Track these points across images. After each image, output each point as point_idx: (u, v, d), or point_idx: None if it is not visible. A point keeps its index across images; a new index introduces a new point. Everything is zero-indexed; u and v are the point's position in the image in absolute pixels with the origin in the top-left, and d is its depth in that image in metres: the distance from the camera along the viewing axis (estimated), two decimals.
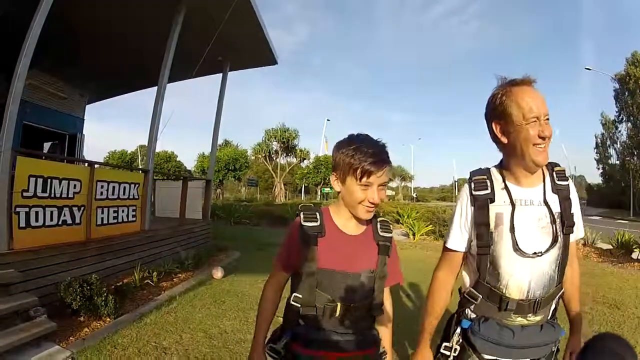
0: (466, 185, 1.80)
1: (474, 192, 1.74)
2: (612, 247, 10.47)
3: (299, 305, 1.70)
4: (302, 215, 1.72)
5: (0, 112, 4.80)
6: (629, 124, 34.07)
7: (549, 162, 1.73)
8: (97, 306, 4.79)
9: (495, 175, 1.76)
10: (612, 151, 38.94)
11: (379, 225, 1.80)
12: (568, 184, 1.75)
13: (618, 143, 36.94)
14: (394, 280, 1.87)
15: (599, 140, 39.97)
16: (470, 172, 1.82)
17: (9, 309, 4.10)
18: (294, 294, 1.73)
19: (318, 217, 1.72)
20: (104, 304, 4.81)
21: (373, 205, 1.65)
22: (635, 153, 33.39)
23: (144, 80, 11.37)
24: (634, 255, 9.57)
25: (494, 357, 1.73)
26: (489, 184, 1.73)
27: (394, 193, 60.54)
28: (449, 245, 1.83)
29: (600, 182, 47.38)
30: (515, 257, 1.64)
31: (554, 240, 1.65)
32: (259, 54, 11.40)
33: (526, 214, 1.67)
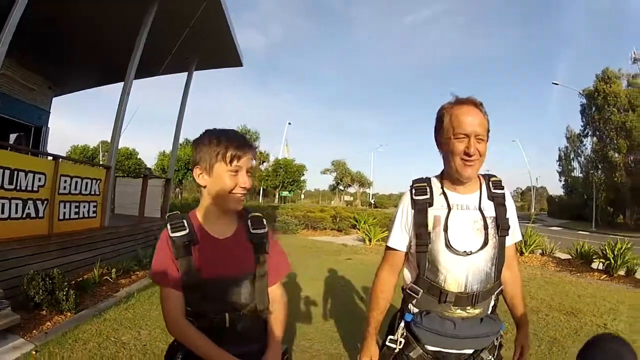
0: (407, 191, 1.95)
1: (414, 197, 1.89)
2: (571, 257, 10.70)
3: (191, 320, 1.65)
4: (169, 226, 1.65)
5: None
6: (595, 138, 34.99)
7: (486, 174, 1.96)
8: (59, 301, 4.90)
9: (435, 183, 1.92)
10: (575, 164, 40.13)
11: (250, 223, 1.77)
12: (503, 193, 1.92)
13: (582, 156, 38.07)
14: (278, 275, 1.87)
15: (562, 154, 41.11)
16: (412, 180, 1.97)
17: None
18: (186, 308, 1.66)
19: (186, 224, 1.66)
20: (65, 298, 4.93)
21: (244, 192, 1.67)
22: (600, 167, 34.51)
23: (112, 74, 11.32)
24: (594, 265, 9.79)
25: (437, 348, 1.87)
26: (428, 190, 1.89)
27: (352, 198, 60.90)
28: (390, 244, 1.97)
29: (562, 194, 48.57)
30: (449, 254, 1.79)
31: (486, 242, 1.80)
32: (225, 55, 11.62)
33: (461, 216, 1.83)
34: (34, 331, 4.42)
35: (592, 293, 7.38)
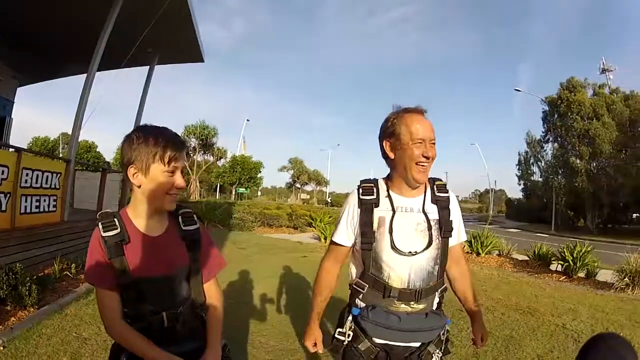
0: (355, 190, 2.06)
1: (361, 197, 2.01)
2: (528, 259, 10.86)
3: (130, 321, 1.65)
4: (100, 226, 1.65)
5: None
6: (556, 144, 35.99)
7: (431, 178, 2.06)
8: (22, 296, 4.91)
9: (382, 185, 2.05)
10: (535, 169, 40.99)
11: (181, 220, 1.80)
12: (448, 196, 2.07)
13: (542, 161, 38.91)
14: (212, 271, 1.90)
15: (522, 158, 41.88)
16: (361, 180, 2.09)
17: None
18: (124, 310, 1.66)
19: (117, 223, 1.66)
20: (28, 293, 4.94)
21: (180, 192, 1.71)
22: (560, 172, 35.24)
23: (76, 65, 11.17)
24: (553, 267, 9.95)
25: (384, 341, 1.99)
26: (375, 191, 2.01)
27: (308, 197, 60.95)
28: (336, 239, 2.10)
29: (521, 197, 49.64)
30: (393, 254, 1.92)
31: (430, 243, 1.94)
32: (187, 50, 11.77)
33: (405, 219, 1.96)
34: (0, 327, 4.43)
35: (550, 293, 7.53)
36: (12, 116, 12.56)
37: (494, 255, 11.90)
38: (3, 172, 5.79)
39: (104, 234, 1.63)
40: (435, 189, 2.06)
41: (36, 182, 6.67)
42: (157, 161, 1.59)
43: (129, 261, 1.63)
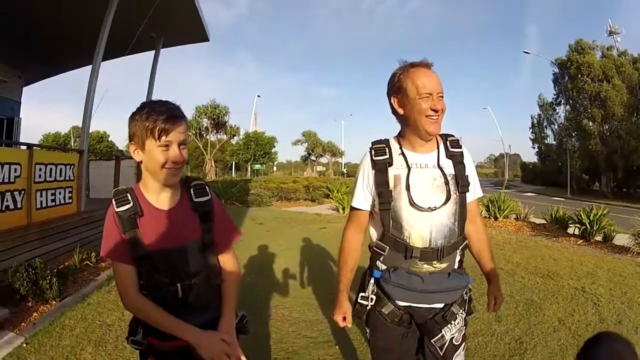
0: (367, 153, 2.05)
1: (374, 158, 2.00)
2: (546, 222, 10.86)
3: (145, 293, 1.69)
4: (114, 201, 1.69)
5: None
6: (568, 107, 35.56)
7: (443, 133, 2.06)
8: (43, 290, 4.96)
9: (393, 144, 2.04)
10: (548, 132, 40.46)
11: (193, 192, 1.81)
12: (462, 151, 2.05)
13: (556, 124, 38.45)
14: (227, 243, 1.90)
15: (535, 121, 41.37)
16: (372, 142, 2.08)
17: None
18: (140, 282, 1.70)
19: (130, 198, 1.69)
20: (49, 287, 4.99)
21: (178, 166, 1.67)
22: (573, 134, 34.95)
23: (80, 58, 11.19)
24: (570, 231, 9.97)
25: (408, 303, 1.99)
26: (387, 150, 2.00)
27: (324, 169, 61.00)
28: (354, 204, 2.09)
29: (536, 160, 49.07)
30: (413, 211, 1.90)
31: (448, 197, 1.92)
32: (191, 31, 11.64)
33: (421, 175, 1.95)
34: (22, 323, 4.48)
35: (568, 257, 7.52)
36: (21, 116, 12.68)
37: (512, 219, 11.87)
38: (16, 169, 5.82)
39: (117, 209, 1.67)
40: (448, 144, 2.05)
41: (50, 176, 6.70)
42: (150, 136, 1.60)
43: (143, 234, 1.67)
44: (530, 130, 42.32)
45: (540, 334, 4.20)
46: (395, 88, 1.97)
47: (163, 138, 1.59)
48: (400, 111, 1.98)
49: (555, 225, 10.40)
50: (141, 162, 1.68)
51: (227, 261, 1.90)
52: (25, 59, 11.64)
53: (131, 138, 1.66)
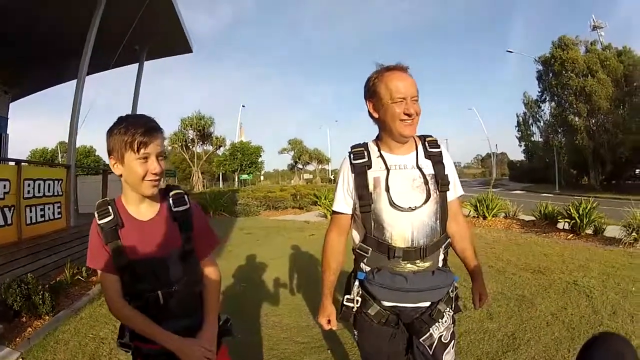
0: (346, 157, 2.07)
1: (353, 162, 2.01)
2: (535, 219, 10.91)
3: (129, 300, 1.76)
4: (96, 214, 1.75)
5: None
6: (553, 103, 36.09)
7: (421, 135, 2.09)
8: (36, 305, 4.95)
9: (372, 147, 2.05)
10: (534, 129, 41.06)
11: (172, 201, 1.84)
12: (440, 151, 2.05)
13: (541, 121, 39.08)
14: (206, 249, 1.95)
15: (520, 119, 41.99)
16: (351, 146, 2.09)
17: None
18: (123, 289, 1.77)
19: (111, 210, 1.75)
20: (41, 302, 4.98)
21: (157, 178, 1.71)
22: (560, 130, 35.18)
23: (65, 72, 11.14)
24: (560, 226, 10.04)
25: (393, 303, 1.99)
26: (366, 153, 2.01)
27: (311, 176, 60.98)
28: (335, 208, 2.11)
29: (523, 158, 49.57)
30: (393, 211, 1.91)
31: (428, 197, 1.92)
32: (175, 43, 11.72)
33: (400, 176, 1.96)
34: (17, 339, 4.47)
35: (559, 252, 7.59)
36: (8, 132, 12.63)
37: (501, 217, 11.95)
38: (5, 186, 5.81)
39: (99, 222, 1.74)
40: (426, 144, 2.06)
41: (39, 192, 6.68)
42: (129, 150, 1.64)
43: (124, 245, 1.73)
44: (517, 128, 42.92)
45: (534, 329, 4.22)
46: (370, 92, 2.00)
47: (142, 151, 1.64)
48: (376, 115, 2.01)
49: (544, 221, 10.45)
50: (121, 175, 1.73)
51: (207, 268, 1.95)
52: (11, 75, 11.57)
53: (110, 152, 1.70)
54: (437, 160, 2.03)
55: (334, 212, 2.15)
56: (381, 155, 2.01)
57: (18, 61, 10.78)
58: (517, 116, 42.22)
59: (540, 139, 40.59)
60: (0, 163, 7.47)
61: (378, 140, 2.08)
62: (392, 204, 1.91)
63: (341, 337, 4.24)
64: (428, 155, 2.04)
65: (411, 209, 1.91)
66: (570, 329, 4.18)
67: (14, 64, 10.87)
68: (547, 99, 37.17)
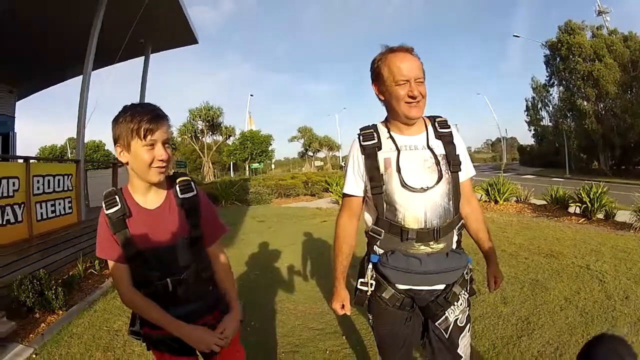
0: (355, 139, 2.05)
1: (362, 143, 1.99)
2: (546, 203, 10.82)
3: (137, 288, 1.78)
4: (103, 204, 1.75)
5: None
6: (561, 88, 35.67)
7: (431, 115, 2.07)
8: (49, 300, 4.94)
9: (381, 128, 2.04)
10: (543, 113, 40.63)
11: (178, 188, 1.84)
12: (450, 131, 2.03)
13: (550, 106, 38.74)
14: (214, 236, 1.96)
15: (529, 104, 41.46)
16: (360, 128, 2.07)
17: None
18: (133, 277, 1.79)
19: (118, 200, 1.75)
20: (54, 297, 4.97)
21: (163, 165, 1.71)
22: (568, 115, 34.84)
23: (72, 68, 11.05)
24: (571, 210, 9.97)
25: (408, 286, 1.97)
26: (375, 135, 2.00)
27: (322, 163, 60.93)
28: (346, 191, 2.09)
29: (533, 143, 49.15)
30: (405, 192, 1.89)
31: (440, 177, 1.90)
32: (180, 34, 11.67)
33: (411, 156, 1.94)
34: (31, 335, 4.45)
35: (571, 236, 7.50)
36: (15, 131, 12.70)
37: (512, 202, 11.86)
38: (14, 183, 5.82)
39: (107, 212, 1.74)
40: (436, 125, 2.04)
41: (48, 187, 6.70)
42: (135, 137, 1.63)
43: (132, 234, 1.74)
44: (526, 113, 42.44)
45: (547, 313, 4.19)
46: (375, 75, 1.98)
47: (148, 137, 1.63)
48: (382, 97, 2.00)
49: (555, 206, 10.38)
50: (127, 163, 1.72)
51: (216, 254, 1.97)
52: (16, 74, 11.56)
53: (116, 141, 1.69)
54: (447, 141, 2.01)
55: (345, 195, 2.12)
56: (391, 136, 1.99)
57: (22, 59, 10.75)
58: (526, 101, 41.79)
59: (549, 124, 40.17)
60: (9, 161, 7.43)
61: (387, 121, 2.06)
62: (404, 184, 1.89)
63: (356, 323, 4.23)
64: (438, 136, 2.01)
65: (423, 190, 1.89)
66: (584, 314, 4.14)
67: (18, 62, 10.86)
68: (555, 83, 36.80)
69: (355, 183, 2.05)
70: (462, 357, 2.07)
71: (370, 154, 1.97)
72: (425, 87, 1.92)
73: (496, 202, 11.66)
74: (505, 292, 4.72)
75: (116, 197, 1.76)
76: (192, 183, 1.88)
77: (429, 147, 1.96)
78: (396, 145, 1.96)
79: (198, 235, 1.83)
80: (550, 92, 38.53)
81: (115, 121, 1.68)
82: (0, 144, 12.16)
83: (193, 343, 1.77)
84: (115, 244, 1.74)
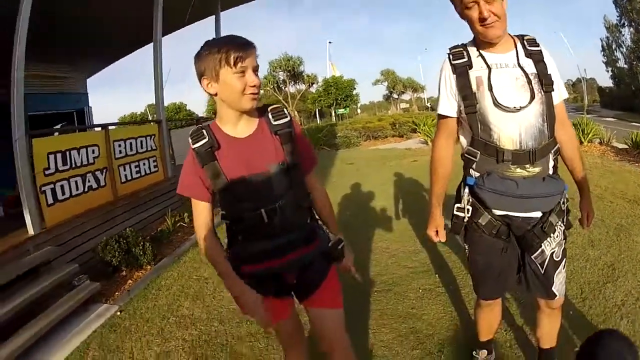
0: (445, 59, 1.99)
1: (453, 62, 1.93)
2: (627, 147, 10.32)
3: (229, 222, 1.79)
4: (190, 140, 1.73)
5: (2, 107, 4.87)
6: (631, 29, 34.01)
7: (519, 34, 1.97)
8: (136, 257, 5.12)
9: (470, 48, 1.95)
10: (618, 54, 38.61)
11: (271, 115, 1.79)
12: (540, 49, 1.92)
13: (624, 47, 36.79)
14: (309, 165, 1.93)
15: (604, 44, 39.58)
16: (449, 47, 2.00)
17: (52, 283, 4.37)
18: (221, 212, 1.80)
19: (205, 133, 1.72)
20: (142, 253, 5.15)
21: (256, 91, 1.67)
22: None
23: (138, 39, 10.95)
24: None
25: (504, 212, 1.95)
26: (465, 53, 1.93)
27: (408, 105, 59.63)
28: (440, 111, 2.04)
29: (611, 84, 46.28)
30: (498, 112, 1.83)
31: (532, 96, 1.82)
32: None
33: (502, 74, 1.87)
34: (117, 293, 4.65)
35: None
36: (90, 105, 13.14)
37: (596, 143, 11.36)
38: (94, 151, 5.95)
39: (194, 146, 1.72)
40: (525, 43, 1.95)
41: (131, 150, 6.85)
42: (224, 66, 1.60)
43: (222, 165, 1.71)
44: (602, 53, 40.71)
45: (631, 261, 3.99)
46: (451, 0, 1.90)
47: (239, 65, 1.59)
48: (464, 19, 1.90)
49: (636, 150, 9.85)
50: (215, 94, 1.68)
51: (312, 183, 1.96)
52: (84, 53, 11.52)
53: (202, 74, 1.66)
54: (538, 59, 1.91)
55: (440, 116, 2.09)
56: (481, 55, 1.92)
57: (87, 38, 10.37)
58: (601, 40, 39.94)
59: (625, 65, 38.15)
60: (86, 131, 7.66)
61: (474, 41, 1.98)
62: (497, 103, 1.84)
63: (449, 261, 4.25)
64: (528, 54, 1.92)
65: (516, 109, 1.83)
66: None
67: (82, 41, 10.51)
68: (626, 24, 35.11)
69: (449, 103, 2.00)
70: (556, 295, 2.07)
71: (461, 72, 1.92)
72: (503, 5, 1.79)
73: (581, 142, 11.08)
74: (592, 234, 4.57)
75: (203, 131, 1.74)
76: (285, 109, 1.84)
77: (519, 65, 1.88)
78: (487, 63, 1.89)
79: (295, 161, 1.79)
80: (622, 33, 36.71)
81: (198, 56, 1.66)
82: (77, 119, 12.54)
83: (240, 305, 1.80)
84: (198, 180, 1.75)
